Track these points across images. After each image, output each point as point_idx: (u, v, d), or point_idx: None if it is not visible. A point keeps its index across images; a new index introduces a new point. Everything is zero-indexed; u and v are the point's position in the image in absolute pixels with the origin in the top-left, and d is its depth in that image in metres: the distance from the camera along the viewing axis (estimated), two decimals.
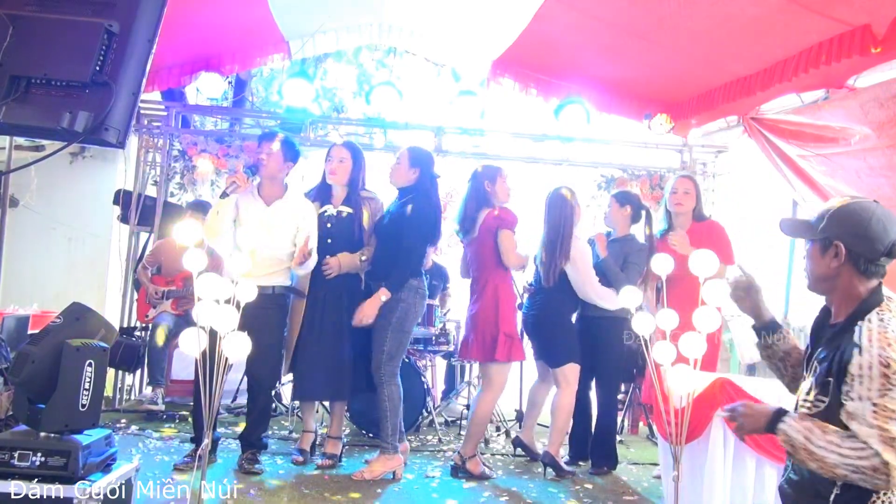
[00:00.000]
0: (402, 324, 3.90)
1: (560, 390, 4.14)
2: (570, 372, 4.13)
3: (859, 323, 1.71)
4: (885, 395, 1.60)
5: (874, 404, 1.61)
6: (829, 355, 1.77)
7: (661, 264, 3.07)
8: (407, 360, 4.14)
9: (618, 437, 4.91)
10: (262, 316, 3.73)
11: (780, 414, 1.76)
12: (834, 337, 1.79)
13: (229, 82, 7.39)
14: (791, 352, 2.05)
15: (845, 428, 1.66)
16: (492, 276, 4.08)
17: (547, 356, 4.26)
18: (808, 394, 1.82)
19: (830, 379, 1.73)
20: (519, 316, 4.27)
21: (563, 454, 4.49)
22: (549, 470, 4.13)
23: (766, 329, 2.07)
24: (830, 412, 1.72)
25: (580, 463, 4.42)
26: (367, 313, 3.84)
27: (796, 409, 1.87)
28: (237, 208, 3.89)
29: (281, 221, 3.89)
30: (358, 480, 3.76)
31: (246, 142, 5.96)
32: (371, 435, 4.80)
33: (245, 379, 4.68)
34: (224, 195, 3.77)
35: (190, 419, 4.99)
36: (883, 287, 1.80)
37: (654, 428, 4.77)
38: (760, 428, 1.80)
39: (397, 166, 4.07)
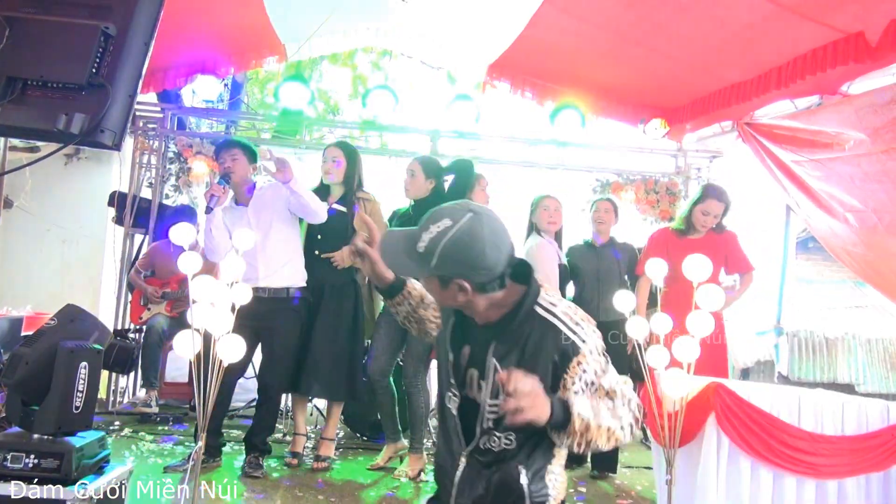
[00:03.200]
0: None
1: None
2: None
3: (543, 317, 1.70)
4: (606, 367, 1.71)
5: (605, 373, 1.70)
6: (511, 349, 1.70)
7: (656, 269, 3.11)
8: (401, 363, 4.18)
9: None
10: (273, 322, 3.81)
11: (559, 399, 1.60)
12: (504, 330, 1.72)
13: (225, 84, 7.39)
14: (417, 308, 1.98)
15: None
16: None
17: None
18: (496, 396, 1.69)
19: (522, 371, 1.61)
20: None
21: None
22: None
23: (391, 290, 1.96)
24: None
25: (574, 466, 4.44)
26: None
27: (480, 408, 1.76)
28: (225, 224, 3.89)
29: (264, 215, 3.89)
30: (356, 482, 3.78)
31: None
32: (365, 438, 4.80)
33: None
34: (209, 210, 3.76)
35: (185, 422, 4.99)
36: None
37: (648, 432, 4.79)
38: (545, 416, 1.54)
39: (412, 180, 4.15)
